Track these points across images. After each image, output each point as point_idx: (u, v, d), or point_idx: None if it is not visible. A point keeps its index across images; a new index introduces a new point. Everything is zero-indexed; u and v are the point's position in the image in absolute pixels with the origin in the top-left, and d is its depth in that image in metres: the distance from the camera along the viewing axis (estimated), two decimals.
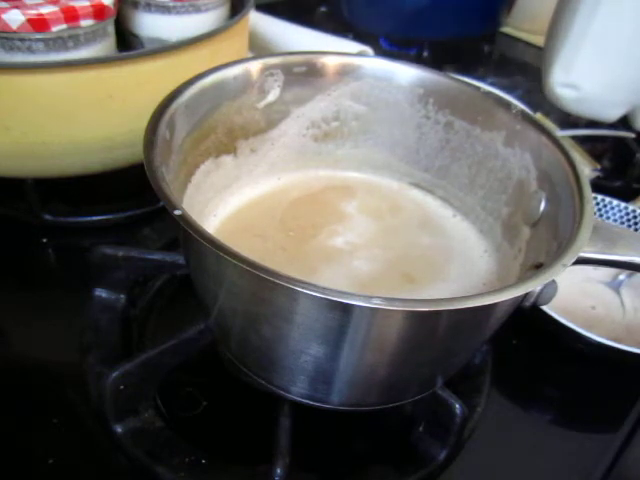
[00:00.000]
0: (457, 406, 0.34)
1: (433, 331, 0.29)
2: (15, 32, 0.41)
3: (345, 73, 0.42)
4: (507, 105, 0.39)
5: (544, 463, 0.38)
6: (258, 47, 0.71)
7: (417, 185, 0.46)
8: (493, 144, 0.40)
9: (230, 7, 0.57)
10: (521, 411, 0.42)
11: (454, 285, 0.38)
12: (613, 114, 0.71)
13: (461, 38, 0.89)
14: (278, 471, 0.32)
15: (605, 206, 0.54)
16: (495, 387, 0.42)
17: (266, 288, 0.27)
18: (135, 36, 0.53)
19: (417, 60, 0.86)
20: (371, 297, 0.24)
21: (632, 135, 0.72)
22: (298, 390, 0.33)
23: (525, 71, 0.88)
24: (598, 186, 0.55)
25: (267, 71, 0.40)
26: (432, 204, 0.45)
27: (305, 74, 0.41)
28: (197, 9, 0.52)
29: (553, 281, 0.28)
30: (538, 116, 0.71)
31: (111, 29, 0.48)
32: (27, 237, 0.50)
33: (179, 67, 0.45)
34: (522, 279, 0.28)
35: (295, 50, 0.44)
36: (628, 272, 0.50)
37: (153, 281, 0.46)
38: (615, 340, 0.40)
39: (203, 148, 0.38)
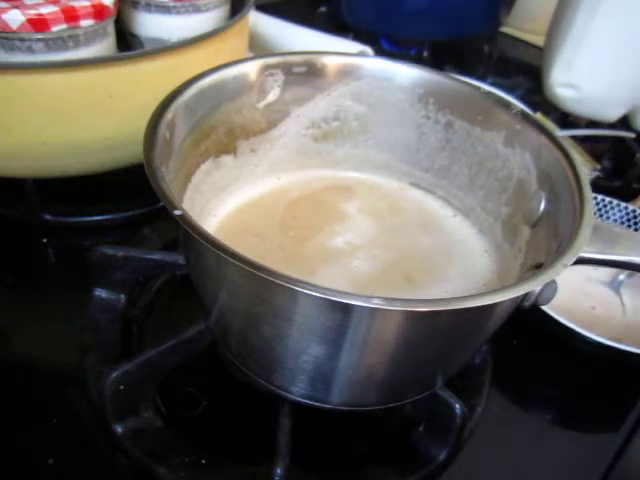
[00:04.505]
0: (457, 406, 0.34)
1: (433, 331, 0.29)
2: (15, 32, 0.41)
3: (345, 73, 0.42)
4: (507, 105, 0.39)
5: (544, 463, 0.38)
6: (258, 47, 0.71)
7: (417, 185, 0.46)
8: (493, 144, 0.40)
9: (230, 7, 0.57)
10: (521, 411, 0.42)
11: (454, 285, 0.38)
12: (613, 114, 0.71)
13: (461, 38, 0.89)
14: (278, 471, 0.32)
15: (605, 206, 0.54)
16: (495, 387, 0.42)
17: (266, 288, 0.27)
18: (135, 36, 0.53)
19: (417, 60, 0.86)
20: (371, 297, 0.24)
21: (632, 135, 0.72)
22: (298, 390, 0.33)
23: (525, 71, 0.88)
24: (598, 186, 0.55)
25: (267, 71, 0.40)
26: (432, 204, 0.45)
27: (305, 74, 0.41)
28: (197, 9, 0.52)
29: (553, 281, 0.28)
30: (538, 116, 0.71)
31: (111, 29, 0.48)
32: (27, 237, 0.50)
33: (179, 67, 0.45)
34: (522, 279, 0.28)
35: (295, 50, 0.44)
36: (628, 272, 0.49)
37: (153, 281, 0.46)
38: (615, 340, 0.40)
39: (203, 148, 0.38)
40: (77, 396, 0.38)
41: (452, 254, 0.40)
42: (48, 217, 0.50)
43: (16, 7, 0.41)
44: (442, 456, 0.36)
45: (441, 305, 0.25)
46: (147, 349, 0.36)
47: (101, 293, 0.42)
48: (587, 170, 0.66)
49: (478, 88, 0.41)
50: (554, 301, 0.30)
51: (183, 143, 0.35)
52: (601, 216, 0.54)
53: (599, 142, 0.72)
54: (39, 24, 0.41)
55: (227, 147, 0.41)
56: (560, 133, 0.70)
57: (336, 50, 0.43)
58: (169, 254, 0.42)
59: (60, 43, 0.43)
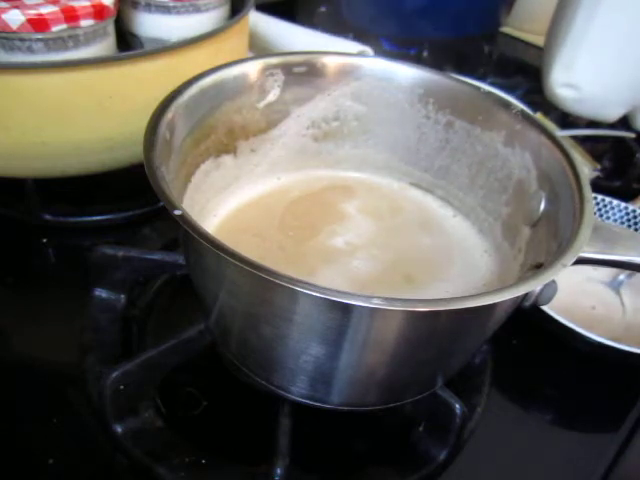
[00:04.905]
0: (457, 406, 0.34)
1: (433, 331, 0.29)
2: (15, 32, 0.41)
3: (345, 73, 0.42)
4: (507, 105, 0.39)
5: (544, 463, 0.38)
6: (258, 47, 0.71)
7: (417, 185, 0.46)
8: (493, 144, 0.40)
9: (230, 7, 0.57)
10: (521, 411, 0.42)
11: (454, 285, 0.38)
12: (613, 114, 0.71)
13: (461, 38, 0.89)
14: (278, 471, 0.32)
15: (605, 206, 0.54)
16: (495, 387, 0.42)
17: (266, 288, 0.27)
18: (135, 36, 0.53)
19: (417, 60, 0.86)
20: (371, 297, 0.24)
21: (632, 135, 0.72)
22: (298, 390, 0.33)
23: (525, 71, 0.88)
24: (598, 186, 0.55)
25: (267, 71, 0.40)
26: (432, 204, 0.45)
27: (305, 74, 0.41)
28: (197, 9, 0.52)
29: (553, 281, 0.28)
30: (538, 116, 0.71)
31: (111, 29, 0.48)
32: (27, 237, 0.50)
33: (179, 67, 0.45)
34: (522, 279, 0.28)
35: (295, 50, 0.44)
36: (628, 272, 0.49)
37: (153, 281, 0.46)
38: (615, 340, 0.40)
39: (203, 148, 0.38)
40: (77, 396, 0.38)
41: (452, 254, 0.40)
42: (48, 217, 0.50)
43: (16, 7, 0.41)
44: (442, 456, 0.36)
45: (441, 305, 0.25)
46: (147, 349, 0.36)
47: (101, 293, 0.42)
48: (587, 170, 0.66)
49: (478, 88, 0.41)
50: (554, 301, 0.30)
51: (183, 143, 0.35)
52: (601, 216, 0.54)
53: (599, 142, 0.72)
54: (39, 24, 0.41)
55: (227, 147, 0.41)
56: (560, 133, 0.70)
57: (336, 50, 0.44)
58: (169, 254, 0.42)
59: (60, 43, 0.43)
